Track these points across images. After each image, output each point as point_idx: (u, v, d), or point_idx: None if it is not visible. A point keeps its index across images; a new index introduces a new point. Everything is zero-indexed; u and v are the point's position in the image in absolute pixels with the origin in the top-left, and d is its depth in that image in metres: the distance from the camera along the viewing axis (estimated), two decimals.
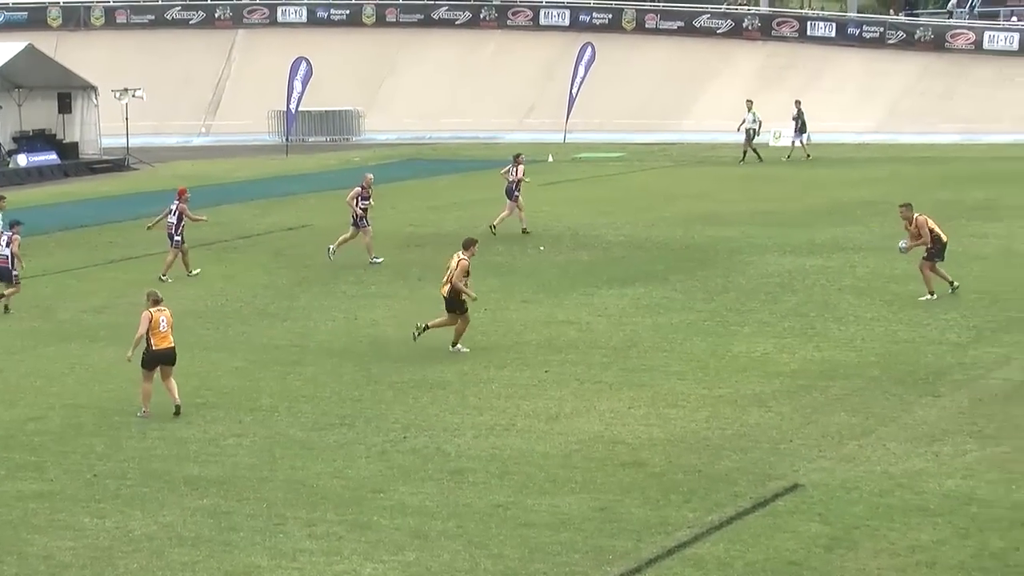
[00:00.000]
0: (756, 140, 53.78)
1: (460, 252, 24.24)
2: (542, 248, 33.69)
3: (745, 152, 53.19)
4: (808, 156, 53.99)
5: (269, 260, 33.18)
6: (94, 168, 57.08)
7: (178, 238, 31.54)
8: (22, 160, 55.40)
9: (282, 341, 24.66)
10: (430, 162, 56.80)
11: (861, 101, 64.60)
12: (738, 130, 54.09)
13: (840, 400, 19.89)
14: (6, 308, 28.32)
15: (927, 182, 45.22)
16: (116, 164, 58.22)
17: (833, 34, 69.39)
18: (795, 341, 23.47)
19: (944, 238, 26.91)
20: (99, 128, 59.14)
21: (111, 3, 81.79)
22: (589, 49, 64.19)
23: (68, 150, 58.19)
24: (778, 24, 71.04)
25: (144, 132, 63.01)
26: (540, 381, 21.47)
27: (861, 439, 18.01)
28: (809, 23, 70.76)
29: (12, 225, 29.01)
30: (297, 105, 64.46)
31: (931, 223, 27.01)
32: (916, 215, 27.14)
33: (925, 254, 26.78)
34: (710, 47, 70.49)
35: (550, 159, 56.11)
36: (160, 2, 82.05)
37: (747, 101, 54.84)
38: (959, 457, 17.17)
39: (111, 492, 16.87)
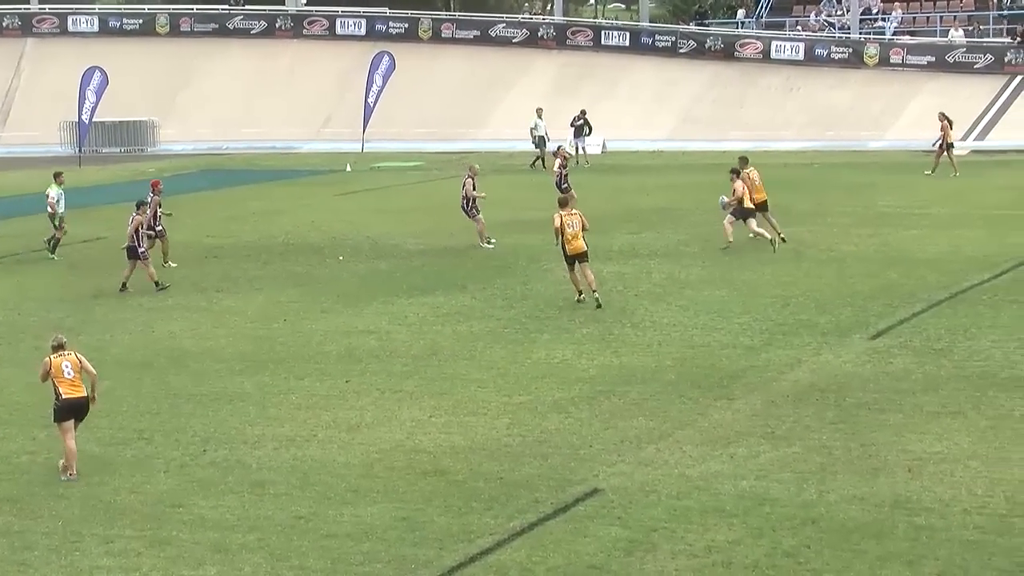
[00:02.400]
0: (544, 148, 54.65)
1: (564, 210, 27.23)
2: (341, 258, 33.56)
3: (543, 160, 53.89)
4: (577, 163, 55.02)
5: (64, 273, 32.53)
6: None
7: (159, 228, 32.52)
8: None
9: None
10: (227, 172, 56.24)
11: (655, 109, 65.60)
12: (532, 139, 54.91)
13: (638, 405, 20.13)
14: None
15: (719, 188, 45.91)
16: None
17: (627, 43, 70.33)
18: (593, 347, 23.70)
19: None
20: None
21: None
22: (386, 58, 64.05)
23: None
24: (573, 33, 71.78)
25: None
26: (341, 391, 21.37)
27: (659, 443, 18.26)
28: (603, 32, 71.64)
29: (139, 205, 30.81)
30: (90, 116, 63.24)
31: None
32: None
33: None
34: (506, 56, 70.99)
35: (348, 169, 55.99)
36: None
37: (537, 109, 55.63)
38: (753, 458, 17.50)
39: None
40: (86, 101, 62.57)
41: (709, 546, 14.71)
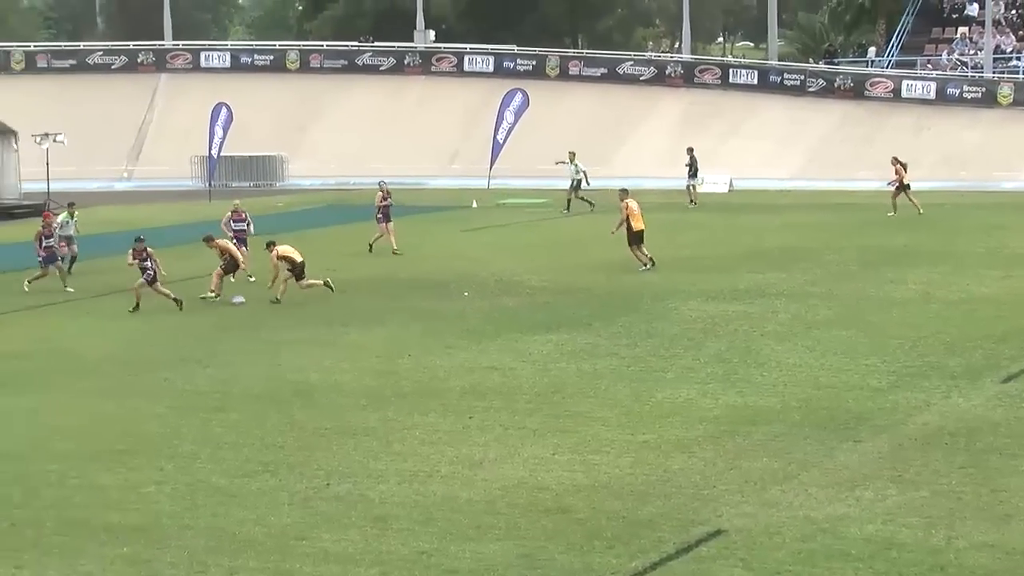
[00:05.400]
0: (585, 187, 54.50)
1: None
2: (466, 294, 33.68)
3: (569, 201, 53.86)
4: (692, 202, 55.03)
5: (192, 305, 32.97)
6: (13, 213, 56.56)
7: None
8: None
9: (204, 387, 24.48)
10: (354, 208, 56.65)
11: (782, 148, 65.26)
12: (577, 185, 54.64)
13: (763, 445, 19.97)
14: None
15: (848, 228, 45.68)
16: (36, 209, 57.64)
17: (755, 82, 70.12)
18: (718, 387, 23.56)
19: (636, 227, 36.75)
20: (19, 173, 58.66)
21: (32, 48, 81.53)
22: (519, 95, 64.04)
23: None
24: (700, 71, 71.70)
25: (65, 177, 62.34)
26: (464, 427, 21.41)
27: (783, 484, 18.09)
28: (731, 71, 71.48)
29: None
30: (219, 151, 64.24)
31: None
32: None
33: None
34: (633, 94, 71.04)
35: (474, 205, 56.24)
36: (82, 47, 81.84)
37: (569, 153, 55.47)
38: (880, 502, 17.28)
39: (29, 541, 16.63)
40: (215, 136, 63.63)
41: None
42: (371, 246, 41.73)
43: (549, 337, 28.05)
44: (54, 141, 58.12)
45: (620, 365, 25.46)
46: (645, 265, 36.50)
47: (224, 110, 63.70)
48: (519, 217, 52.42)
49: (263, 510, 17.58)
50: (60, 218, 38.63)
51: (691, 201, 55.56)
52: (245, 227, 38.38)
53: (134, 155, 73.87)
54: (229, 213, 38.65)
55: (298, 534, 16.68)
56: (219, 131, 63.65)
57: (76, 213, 39.23)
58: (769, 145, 65.41)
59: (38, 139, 58.07)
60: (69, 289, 35.41)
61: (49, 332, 29.96)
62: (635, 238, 36.95)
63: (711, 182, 60.21)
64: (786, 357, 25.68)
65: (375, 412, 22.40)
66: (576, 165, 54.90)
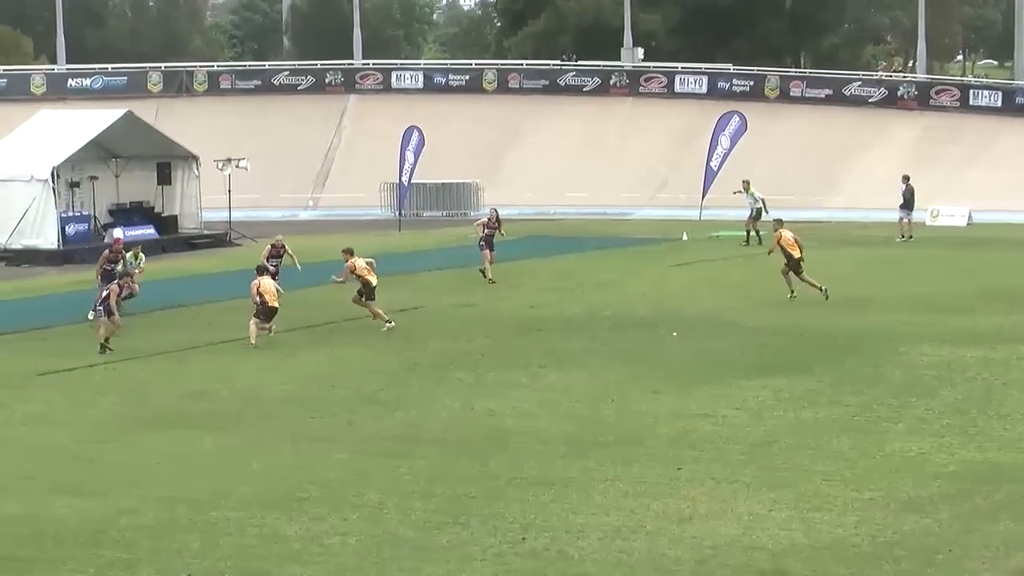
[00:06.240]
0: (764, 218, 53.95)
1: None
2: (674, 334, 33.59)
3: (748, 233, 53.40)
4: (903, 236, 54.15)
5: (379, 343, 33.38)
6: (193, 243, 57.73)
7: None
8: (118, 234, 56.18)
9: (392, 431, 24.74)
10: (554, 239, 56.97)
11: None
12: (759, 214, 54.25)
13: (1005, 507, 19.57)
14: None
15: None
16: (217, 239, 58.85)
17: (999, 104, 69.05)
18: (955, 440, 23.17)
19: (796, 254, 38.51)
20: (200, 200, 59.80)
21: (215, 68, 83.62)
22: (735, 118, 63.51)
23: (167, 224, 58.81)
24: (937, 93, 70.80)
25: (247, 205, 63.59)
26: (672, 479, 21.34)
27: None
28: (971, 92, 70.42)
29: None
30: (410, 177, 64.85)
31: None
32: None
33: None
34: (861, 117, 70.39)
35: (684, 237, 56.14)
36: (267, 66, 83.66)
37: (744, 182, 54.91)
38: None
39: None
40: (405, 162, 64.23)
41: None
42: (483, 272, 43.50)
43: (765, 382, 27.85)
44: (237, 167, 59.22)
45: (844, 414, 25.18)
46: (792, 292, 38.47)
47: (416, 134, 64.38)
48: (733, 251, 52.16)
49: (453, 565, 17.69)
50: (126, 256, 39.69)
51: (902, 236, 54.62)
52: (279, 263, 39.54)
53: (320, 182, 75.08)
54: (269, 247, 40.04)
55: None
56: (410, 156, 64.30)
57: (140, 255, 40.30)
58: (1014, 174, 64.22)
59: (220, 165, 59.20)
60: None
61: (229, 370, 30.56)
62: (792, 267, 38.60)
63: (947, 214, 59.27)
64: None
65: (575, 461, 22.42)
66: (754, 194, 54.63)
